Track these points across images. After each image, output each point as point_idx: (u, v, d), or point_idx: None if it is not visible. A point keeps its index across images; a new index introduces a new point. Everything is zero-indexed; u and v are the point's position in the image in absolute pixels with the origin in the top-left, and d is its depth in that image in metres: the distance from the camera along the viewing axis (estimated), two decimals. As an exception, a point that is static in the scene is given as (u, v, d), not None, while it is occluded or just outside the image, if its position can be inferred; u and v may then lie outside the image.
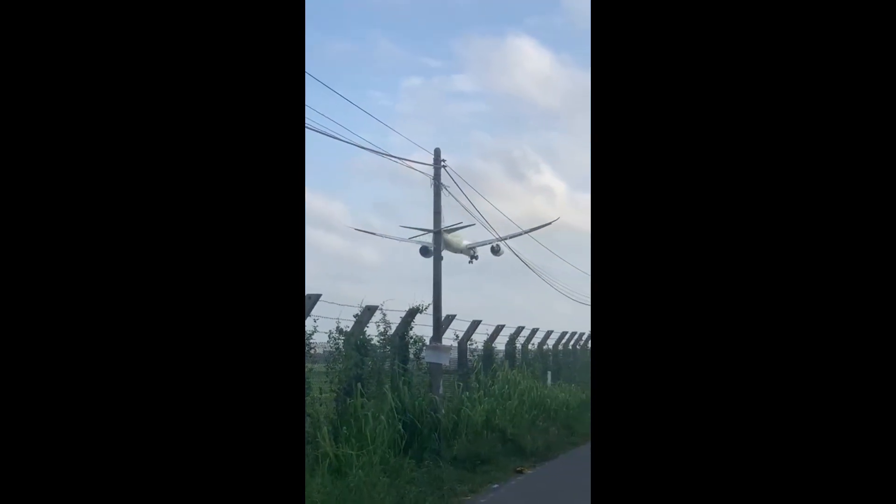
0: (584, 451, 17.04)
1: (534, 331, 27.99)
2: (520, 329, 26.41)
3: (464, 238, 40.27)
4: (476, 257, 42.14)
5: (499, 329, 24.10)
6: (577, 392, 27.87)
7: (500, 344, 25.12)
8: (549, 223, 36.37)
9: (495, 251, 39.42)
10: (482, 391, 20.04)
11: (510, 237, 33.06)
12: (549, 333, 30.18)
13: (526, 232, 32.78)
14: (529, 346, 27.83)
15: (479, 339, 22.84)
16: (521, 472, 15.76)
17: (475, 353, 22.58)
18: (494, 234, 26.18)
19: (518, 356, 26.25)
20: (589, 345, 36.68)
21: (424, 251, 44.26)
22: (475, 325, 21.88)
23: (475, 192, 48.31)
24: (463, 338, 21.55)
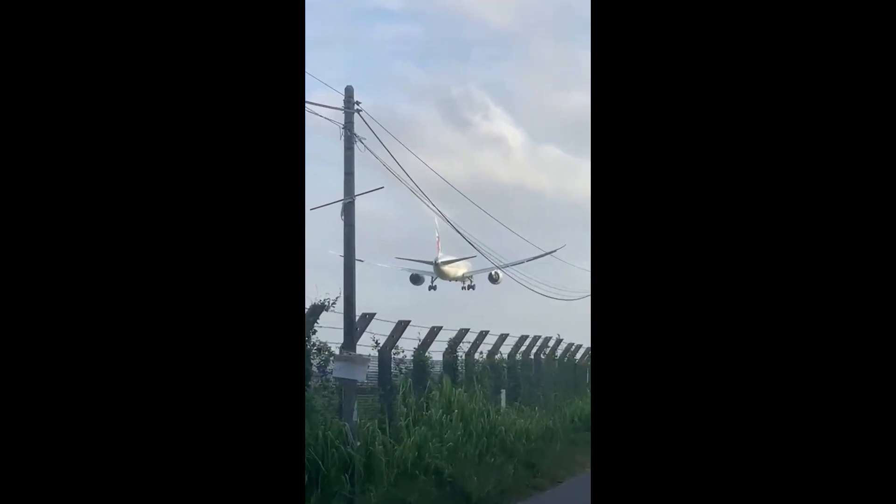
0: (552, 498, 18.22)
1: (482, 335, 26.69)
2: (463, 332, 25.15)
3: (461, 267, 46.09)
4: (473, 287, 46.61)
5: (434, 333, 22.83)
6: (541, 418, 27.37)
7: (437, 353, 24.00)
8: (553, 251, 39.03)
9: (493, 279, 45.38)
10: (412, 417, 19.33)
11: (510, 265, 35.52)
12: (502, 338, 29.16)
13: (528, 260, 35.36)
14: (476, 356, 26.76)
15: (407, 346, 21.91)
16: (464, 527, 15.82)
17: (402, 366, 21.76)
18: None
19: (460, 369, 25.24)
20: (557, 353, 37.06)
21: (415, 279, 48.81)
22: (402, 327, 20.68)
23: (401, 145, 46.92)
24: (385, 345, 20.38)
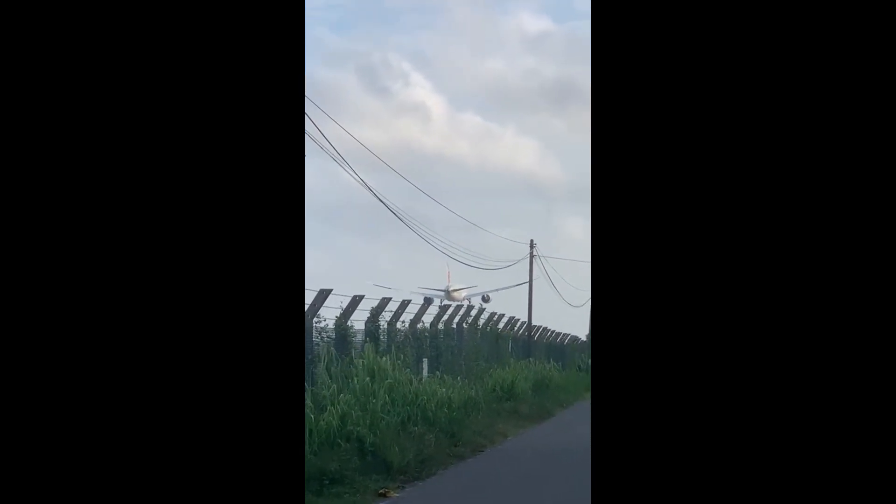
0: (472, 467, 18.59)
1: (404, 303, 27.39)
2: (385, 301, 25.63)
3: (464, 292, 68.36)
4: (472, 306, 59.81)
5: (356, 301, 23.25)
6: (463, 387, 27.40)
7: (359, 321, 24.51)
8: (524, 283, 59.85)
9: (485, 300, 63.35)
10: (336, 386, 19.79)
11: (497, 290, 54.89)
12: (425, 307, 30.10)
13: (510, 287, 53.11)
14: (398, 325, 27.35)
15: (329, 314, 22.36)
16: (384, 495, 15.30)
17: (324, 334, 22.10)
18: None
19: (383, 338, 25.79)
20: (480, 323, 37.90)
21: (427, 301, 63.46)
22: (324, 295, 20.94)
23: (321, 111, 49.38)
24: (307, 313, 20.22)
